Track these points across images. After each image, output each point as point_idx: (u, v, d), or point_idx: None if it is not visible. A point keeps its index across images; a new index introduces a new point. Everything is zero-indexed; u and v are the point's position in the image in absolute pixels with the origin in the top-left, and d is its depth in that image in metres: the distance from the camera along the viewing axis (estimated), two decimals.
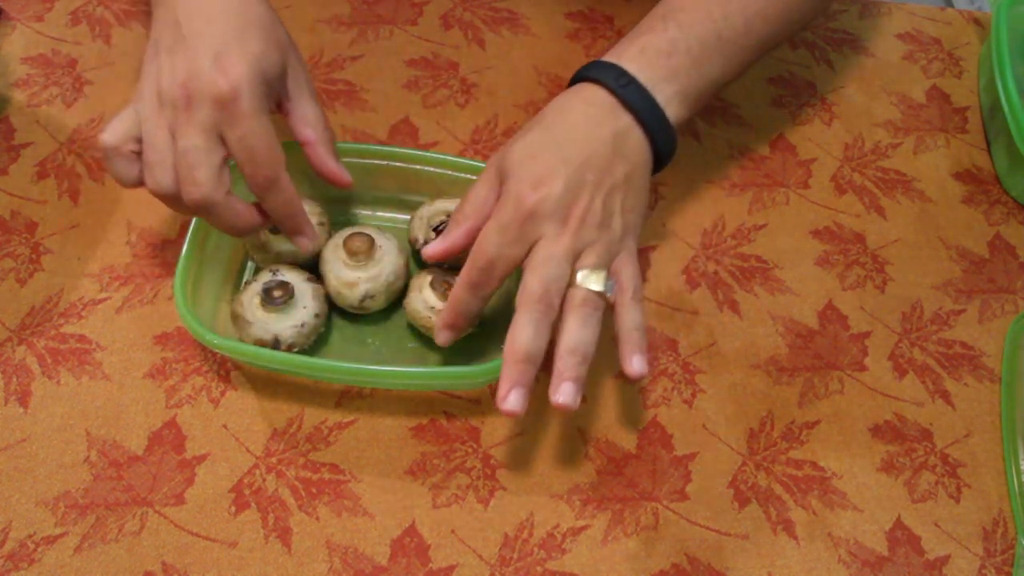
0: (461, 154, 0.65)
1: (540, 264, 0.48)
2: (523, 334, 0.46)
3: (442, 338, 0.52)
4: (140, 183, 0.48)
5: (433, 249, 0.52)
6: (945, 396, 0.59)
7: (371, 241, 0.54)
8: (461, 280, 0.50)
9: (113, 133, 0.47)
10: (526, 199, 0.48)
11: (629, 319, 0.49)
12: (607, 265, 0.50)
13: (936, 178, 0.69)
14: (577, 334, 0.47)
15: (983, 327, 0.62)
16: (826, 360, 0.59)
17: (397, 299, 0.56)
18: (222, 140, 0.46)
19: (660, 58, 0.52)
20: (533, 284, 0.47)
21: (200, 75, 0.45)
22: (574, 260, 0.49)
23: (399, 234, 0.60)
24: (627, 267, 0.51)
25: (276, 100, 0.50)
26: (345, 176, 0.53)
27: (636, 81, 0.51)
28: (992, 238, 0.66)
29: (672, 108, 0.53)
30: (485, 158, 0.65)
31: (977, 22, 0.79)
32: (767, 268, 0.63)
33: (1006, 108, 0.66)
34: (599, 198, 0.49)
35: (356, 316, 0.57)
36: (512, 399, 0.46)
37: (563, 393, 0.46)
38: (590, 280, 0.48)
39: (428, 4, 0.74)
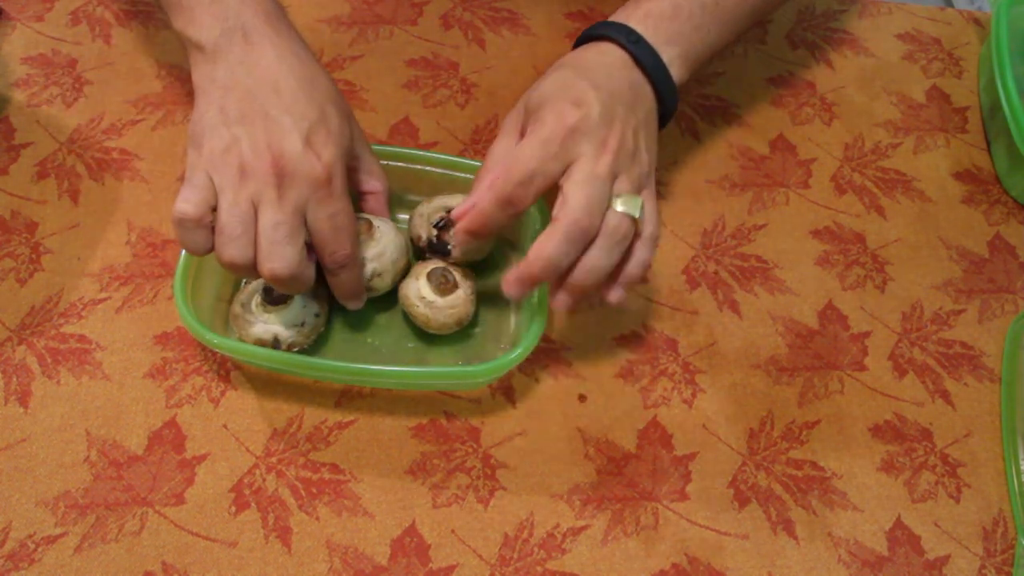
0: (461, 154, 0.65)
1: (585, 182, 0.47)
2: (556, 249, 0.46)
3: (459, 239, 0.52)
4: (210, 251, 0.47)
5: (460, 210, 0.51)
6: (945, 396, 0.59)
7: (369, 223, 0.54)
8: (491, 194, 0.48)
9: (194, 204, 0.46)
10: (568, 115, 0.48)
11: (639, 255, 0.50)
12: (639, 194, 0.50)
13: (936, 178, 0.69)
14: (599, 261, 0.48)
15: (983, 327, 0.62)
16: (826, 360, 0.59)
17: (402, 279, 0.56)
18: (304, 218, 0.47)
19: (664, 21, 0.54)
20: (578, 200, 0.46)
21: (292, 156, 0.46)
22: (612, 183, 0.49)
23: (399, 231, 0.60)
24: (649, 204, 0.51)
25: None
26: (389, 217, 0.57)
27: (644, 40, 0.53)
28: (992, 238, 0.66)
29: (675, 69, 0.54)
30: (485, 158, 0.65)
31: (977, 22, 0.79)
32: (767, 268, 0.63)
33: (1006, 108, 0.66)
34: (629, 129, 0.50)
35: (357, 315, 0.57)
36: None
37: (560, 300, 0.49)
38: (629, 204, 0.48)
39: (428, 4, 0.74)
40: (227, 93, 0.48)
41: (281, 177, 0.46)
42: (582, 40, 0.55)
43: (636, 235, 0.49)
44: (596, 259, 0.48)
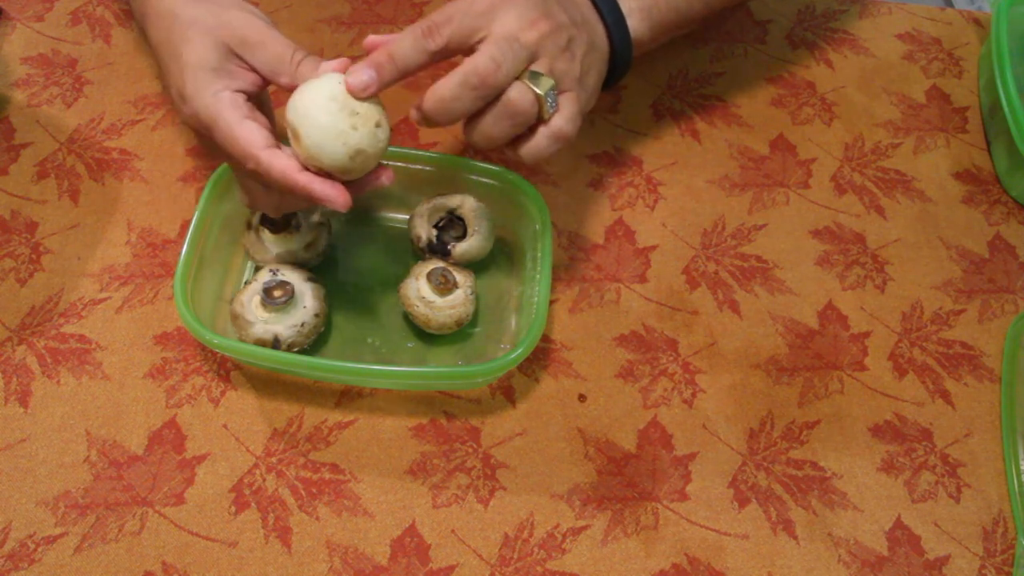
0: (461, 154, 0.65)
1: (502, 39, 0.46)
2: (450, 91, 0.45)
3: (358, 77, 0.46)
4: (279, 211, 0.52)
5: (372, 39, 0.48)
6: (945, 396, 0.59)
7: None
8: (408, 28, 0.47)
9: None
10: None
11: (536, 141, 0.48)
12: (559, 90, 0.48)
13: (936, 178, 0.69)
14: (490, 128, 0.47)
15: (983, 327, 0.62)
16: (826, 360, 0.59)
17: (420, 254, 0.56)
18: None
19: None
20: (486, 51, 0.45)
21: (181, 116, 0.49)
22: (529, 62, 0.47)
23: (399, 233, 0.60)
24: (573, 106, 0.49)
25: (247, 67, 0.48)
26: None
27: None
28: (992, 238, 0.66)
29: (633, 21, 0.54)
30: (485, 158, 0.65)
31: (977, 22, 0.79)
32: (767, 268, 0.63)
33: (1006, 108, 0.66)
34: (566, 31, 0.48)
35: (356, 315, 0.57)
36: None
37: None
38: (537, 81, 0.46)
39: (428, 4, 0.74)
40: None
41: (197, 133, 0.49)
42: None
43: (541, 121, 0.48)
44: (487, 124, 0.47)
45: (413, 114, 0.48)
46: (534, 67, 0.47)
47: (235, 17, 0.48)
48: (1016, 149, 0.65)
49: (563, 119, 0.48)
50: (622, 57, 0.54)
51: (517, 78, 0.47)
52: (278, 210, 0.52)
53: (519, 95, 0.46)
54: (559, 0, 0.50)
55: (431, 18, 0.47)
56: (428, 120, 0.47)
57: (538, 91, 0.46)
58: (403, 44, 0.46)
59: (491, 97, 0.46)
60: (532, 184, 0.57)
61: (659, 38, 0.57)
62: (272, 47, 0.48)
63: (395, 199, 0.60)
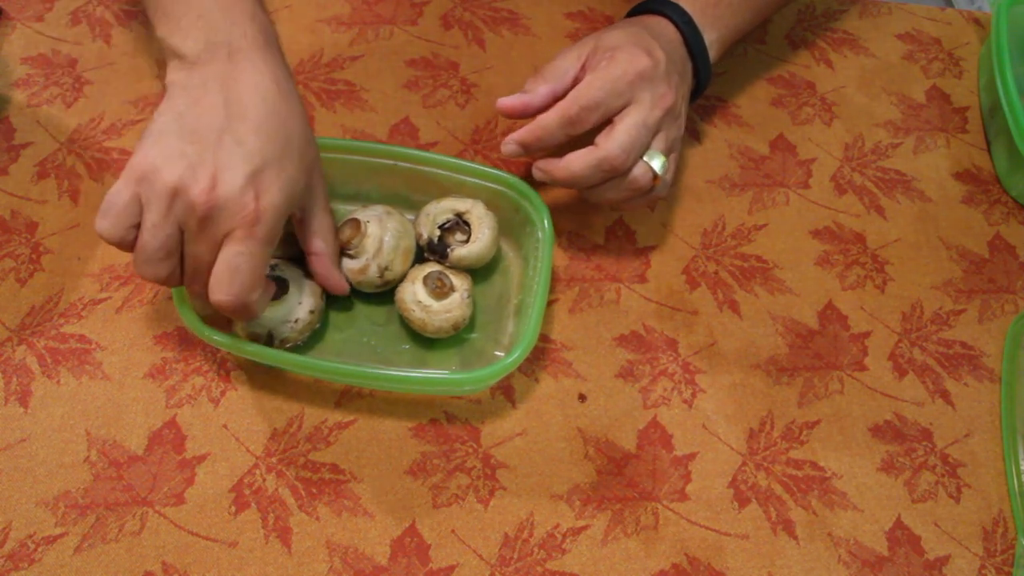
0: (461, 154, 0.65)
1: (633, 127, 0.52)
2: (583, 170, 0.52)
3: (507, 148, 0.54)
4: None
5: (510, 102, 0.54)
6: (945, 396, 0.59)
7: (356, 222, 0.54)
8: (556, 112, 0.52)
9: (111, 227, 0.44)
10: (639, 60, 0.52)
11: (637, 201, 0.56)
12: (668, 156, 0.55)
13: (936, 178, 0.69)
14: (609, 193, 0.54)
15: (983, 327, 0.62)
16: (826, 360, 0.59)
17: (416, 259, 0.56)
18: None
19: (708, 8, 0.59)
20: (622, 140, 0.51)
21: (228, 191, 0.43)
22: (654, 136, 0.53)
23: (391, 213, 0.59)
24: (673, 167, 0.56)
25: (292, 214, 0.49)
26: (344, 285, 0.54)
27: (693, 22, 0.58)
28: (992, 238, 0.66)
29: (712, 51, 0.60)
30: (485, 158, 0.65)
31: (977, 22, 0.79)
32: (767, 268, 0.63)
33: (1006, 108, 0.66)
34: (679, 94, 0.55)
35: (354, 314, 0.57)
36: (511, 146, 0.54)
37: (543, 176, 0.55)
38: (658, 162, 0.53)
39: (428, 4, 0.74)
40: (193, 103, 0.45)
41: (209, 208, 0.43)
42: (637, 11, 0.60)
43: (651, 188, 0.55)
44: (608, 190, 0.54)
45: (510, 148, 0.54)
46: (656, 142, 0.54)
47: (321, 171, 0.51)
48: (1016, 149, 0.65)
49: (665, 187, 0.56)
50: (700, 87, 0.60)
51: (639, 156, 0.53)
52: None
53: (641, 174, 0.53)
54: (671, 57, 0.55)
55: (579, 102, 0.52)
56: (551, 180, 0.55)
57: (657, 171, 0.53)
58: (551, 128, 0.53)
59: (615, 176, 0.53)
60: (538, 193, 0.56)
61: (725, 56, 0.63)
62: (328, 217, 0.52)
63: (401, 199, 0.60)
